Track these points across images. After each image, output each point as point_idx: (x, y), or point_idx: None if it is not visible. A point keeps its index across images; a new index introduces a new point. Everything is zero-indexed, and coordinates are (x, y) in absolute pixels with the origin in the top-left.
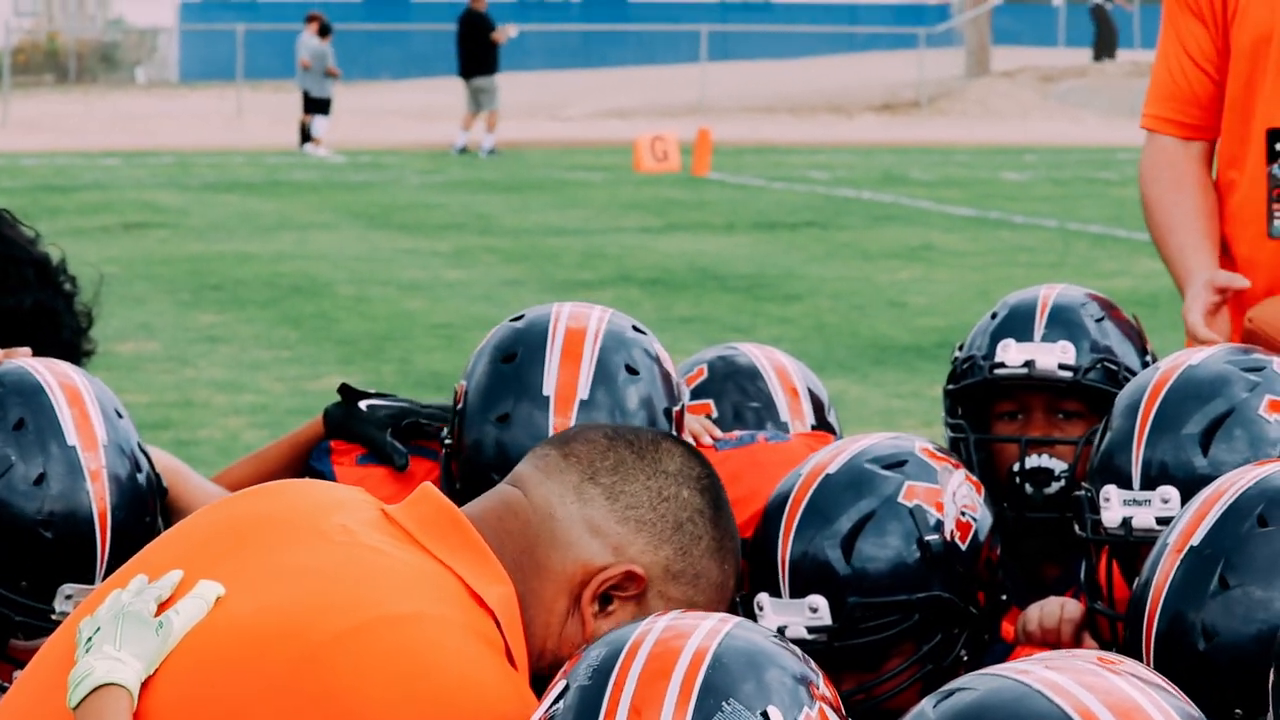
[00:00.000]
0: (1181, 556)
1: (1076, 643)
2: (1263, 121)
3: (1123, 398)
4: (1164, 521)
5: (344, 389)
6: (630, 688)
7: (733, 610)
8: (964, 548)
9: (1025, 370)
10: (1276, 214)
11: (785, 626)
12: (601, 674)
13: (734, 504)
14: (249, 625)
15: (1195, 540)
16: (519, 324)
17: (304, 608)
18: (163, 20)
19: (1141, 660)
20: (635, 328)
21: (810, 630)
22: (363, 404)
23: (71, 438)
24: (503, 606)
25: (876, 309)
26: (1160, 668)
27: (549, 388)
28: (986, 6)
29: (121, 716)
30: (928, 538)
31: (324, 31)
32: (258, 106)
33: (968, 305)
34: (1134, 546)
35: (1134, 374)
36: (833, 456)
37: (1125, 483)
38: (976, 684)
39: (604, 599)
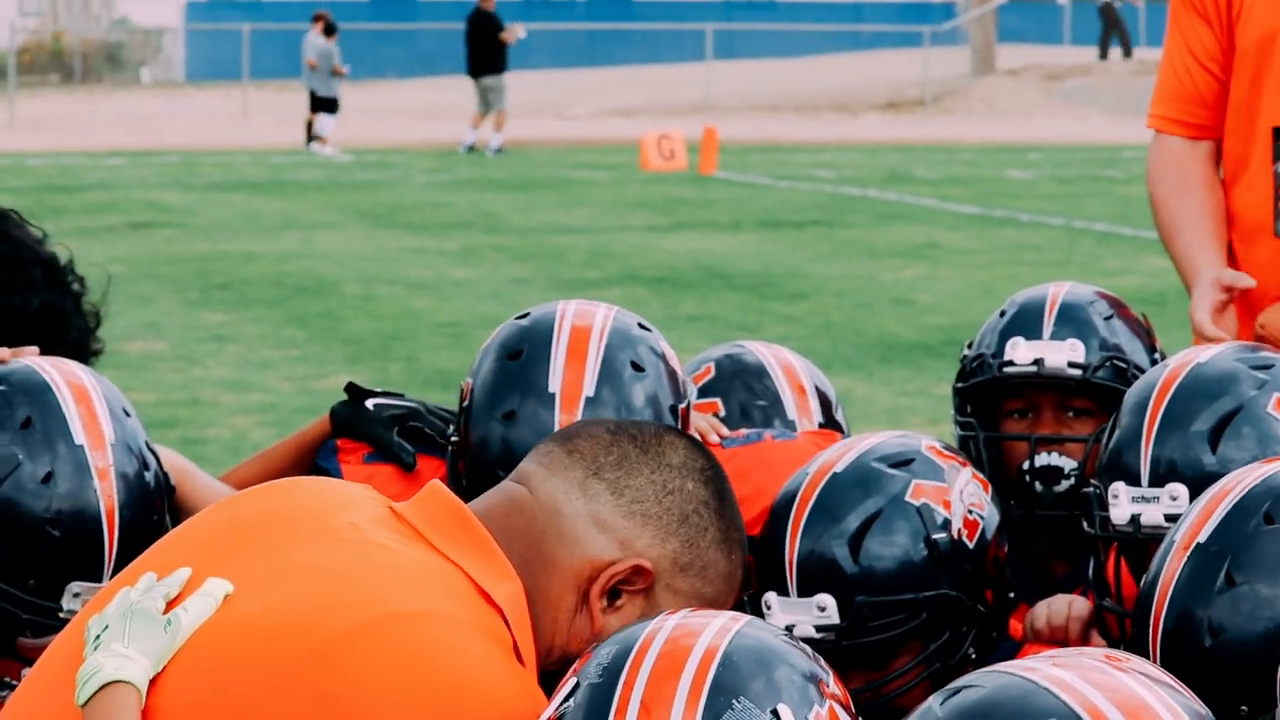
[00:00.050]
0: (1188, 554)
1: (1084, 640)
2: (1268, 120)
3: (1131, 395)
4: (1172, 519)
5: (350, 388)
6: (641, 686)
7: (740, 607)
8: (971, 546)
9: (1034, 368)
10: None
11: (793, 625)
12: (612, 672)
13: (741, 502)
14: (257, 623)
15: (1202, 537)
16: (524, 322)
17: (312, 605)
18: (168, 20)
19: (1148, 657)
20: (641, 325)
21: (818, 629)
22: (369, 403)
23: (79, 436)
24: (511, 604)
25: (882, 307)
26: (1166, 665)
27: (554, 385)
28: (992, 5)
29: (130, 714)
30: (935, 536)
31: (329, 31)
32: (263, 106)
33: (973, 303)
34: (1142, 544)
35: (1143, 372)
36: (840, 455)
37: (1134, 480)
38: (983, 681)
39: (612, 594)
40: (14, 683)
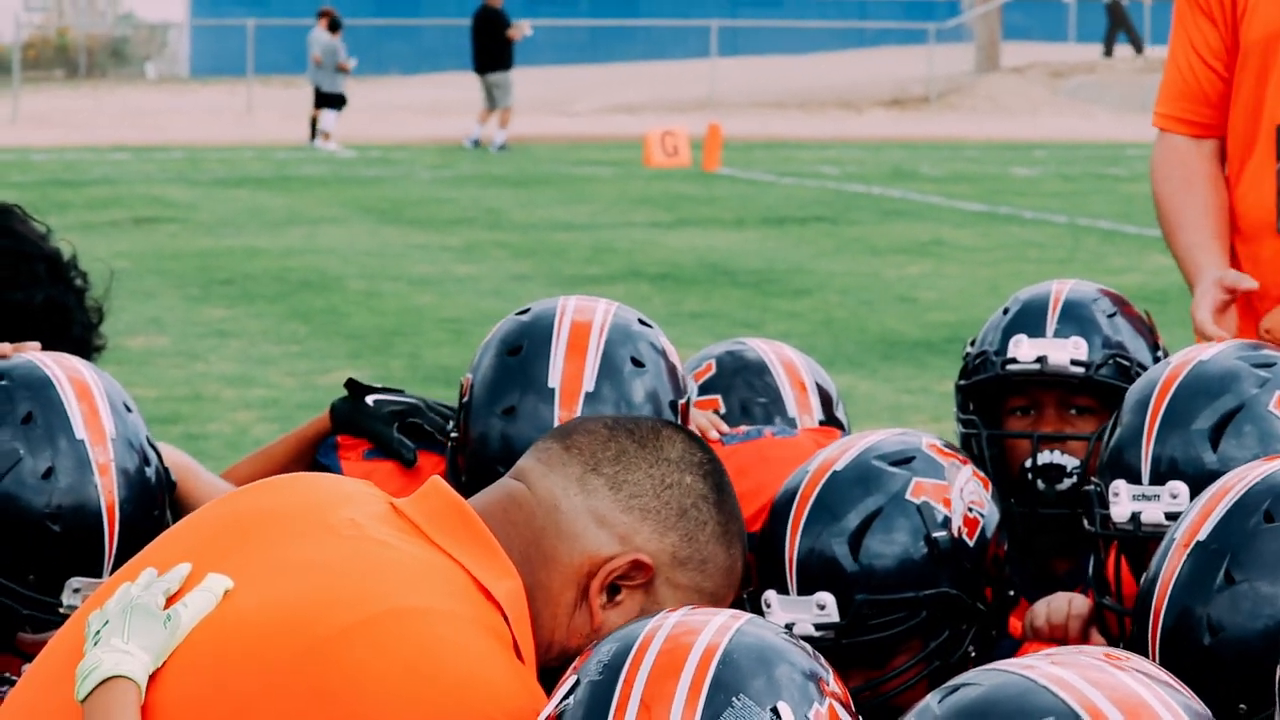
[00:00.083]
0: (1188, 551)
1: (1084, 638)
2: (1271, 118)
3: (1133, 393)
4: (1173, 517)
5: (350, 384)
6: (641, 683)
7: (739, 605)
8: (971, 544)
9: (1037, 366)
10: None
11: (793, 624)
12: (612, 669)
13: (741, 498)
14: (256, 619)
15: (1202, 535)
16: (525, 317)
17: (311, 602)
18: (173, 15)
19: (1147, 655)
20: (641, 321)
21: (818, 627)
22: (369, 399)
23: (80, 432)
24: (511, 601)
25: (886, 304)
26: (1166, 663)
27: (554, 380)
28: (997, 2)
29: (129, 709)
30: (935, 534)
31: (334, 27)
32: (268, 102)
33: (977, 301)
34: (1143, 542)
35: (1146, 369)
36: (840, 453)
37: (1134, 478)
38: (982, 679)
39: (612, 589)
40: (14, 678)
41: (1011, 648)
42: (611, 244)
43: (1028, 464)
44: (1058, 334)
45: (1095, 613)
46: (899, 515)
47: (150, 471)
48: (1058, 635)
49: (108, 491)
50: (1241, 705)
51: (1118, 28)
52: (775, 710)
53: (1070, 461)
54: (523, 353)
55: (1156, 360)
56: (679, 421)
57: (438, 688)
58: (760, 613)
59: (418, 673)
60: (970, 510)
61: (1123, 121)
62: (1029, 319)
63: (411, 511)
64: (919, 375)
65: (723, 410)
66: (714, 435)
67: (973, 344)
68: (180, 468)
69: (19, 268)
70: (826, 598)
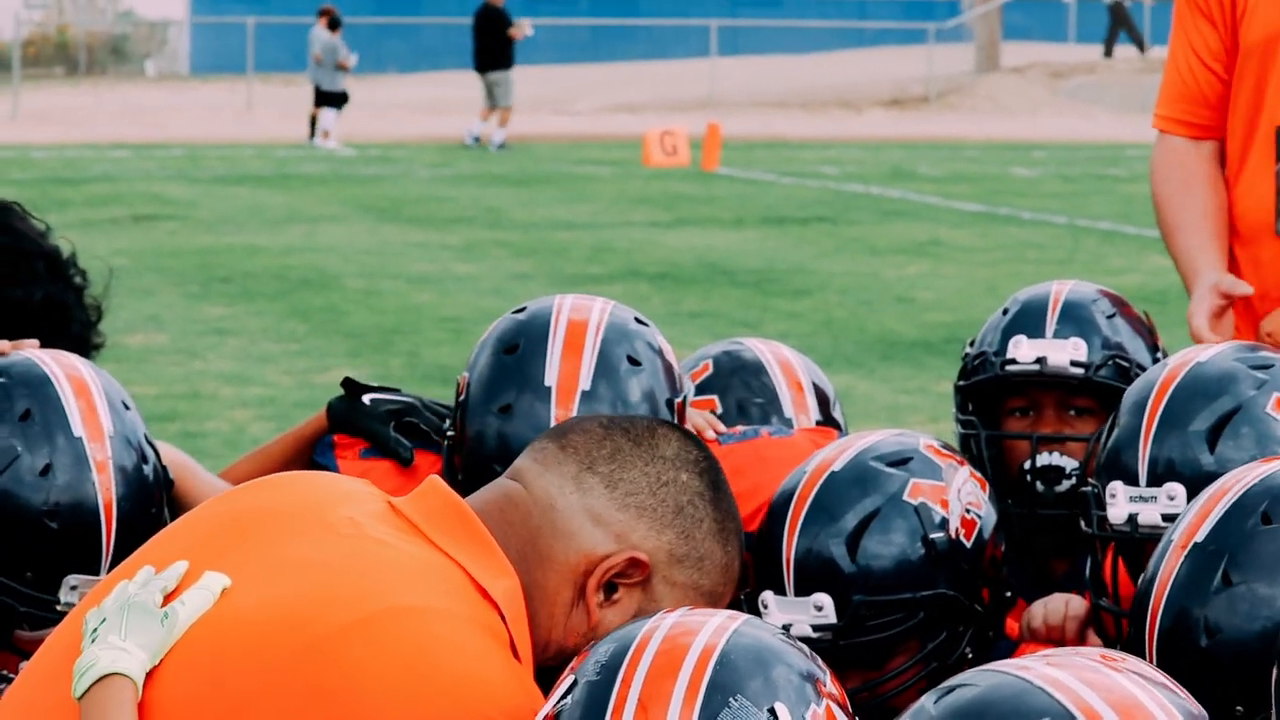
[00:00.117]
0: (1185, 553)
1: (1081, 639)
2: (1270, 120)
3: (1130, 394)
4: (1170, 518)
5: (347, 383)
6: (638, 683)
7: (736, 605)
8: (969, 545)
9: (1037, 367)
10: None
11: (790, 625)
12: (609, 670)
13: (737, 498)
14: (254, 617)
15: (1199, 537)
16: (521, 316)
17: (309, 600)
18: (173, 13)
19: (1144, 657)
20: (637, 319)
21: (815, 628)
22: (366, 398)
23: (78, 429)
24: (508, 600)
25: (885, 304)
26: (1163, 664)
27: (551, 379)
28: (997, 2)
29: (126, 706)
30: (933, 535)
31: (334, 25)
32: (268, 99)
33: (976, 301)
34: (1140, 543)
35: (1145, 370)
36: (838, 454)
37: (1131, 479)
38: (977, 680)
39: (609, 587)
40: (11, 675)
41: (1008, 649)
42: (611, 243)
43: (1026, 465)
44: (1057, 335)
45: (1092, 614)
46: (896, 516)
47: (148, 469)
48: (1054, 636)
49: (105, 489)
50: (1239, 707)
51: (1120, 27)
52: (772, 711)
53: (1069, 463)
54: (519, 351)
55: (1156, 361)
56: (675, 420)
57: (435, 686)
58: (757, 613)
59: (415, 671)
60: (968, 511)
61: (1122, 122)
62: (1028, 320)
63: (409, 510)
64: (917, 375)
65: (719, 410)
66: (710, 435)
67: (972, 344)
68: (178, 466)
69: (18, 265)
70: (824, 599)
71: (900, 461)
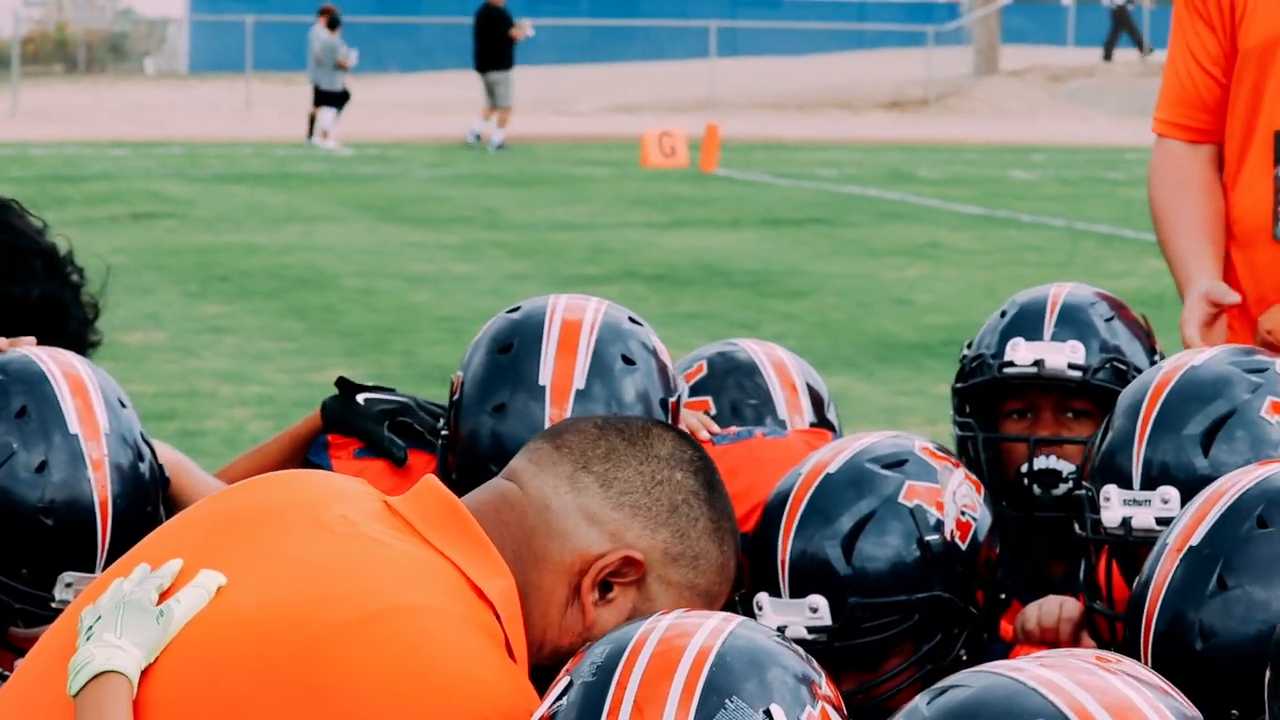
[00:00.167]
0: (1181, 556)
1: (1075, 642)
2: (1269, 124)
3: (1124, 397)
4: (1164, 522)
5: (341, 382)
6: (634, 685)
7: (731, 607)
8: (964, 547)
9: (1034, 369)
10: None
11: (785, 626)
12: (605, 671)
13: (731, 499)
14: (249, 616)
15: (1195, 540)
16: (515, 315)
17: (304, 599)
18: (172, 11)
19: (1140, 660)
20: (632, 319)
21: (810, 630)
22: (360, 397)
23: (74, 426)
24: (503, 599)
25: (882, 306)
26: (1158, 667)
27: (545, 378)
28: (996, 5)
29: (121, 704)
30: (928, 538)
31: (333, 24)
32: (267, 98)
33: (974, 304)
34: (1134, 547)
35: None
36: (833, 455)
37: (1125, 482)
38: (970, 681)
39: (604, 586)
40: (6, 673)
41: (1003, 651)
42: (608, 244)
43: (1024, 469)
44: (1055, 337)
45: (1086, 617)
46: (891, 518)
47: (144, 467)
48: (1048, 638)
49: (101, 486)
50: (1234, 711)
51: (1121, 30)
52: (768, 713)
53: (1066, 467)
54: (513, 350)
55: (1153, 364)
56: (670, 420)
57: (429, 686)
58: (752, 615)
59: (409, 671)
60: (963, 513)
61: (1121, 125)
62: (1026, 322)
63: (405, 509)
64: (914, 378)
65: (713, 411)
66: (704, 435)
67: (970, 347)
68: (174, 466)
69: (16, 262)
70: (819, 600)
71: (895, 464)
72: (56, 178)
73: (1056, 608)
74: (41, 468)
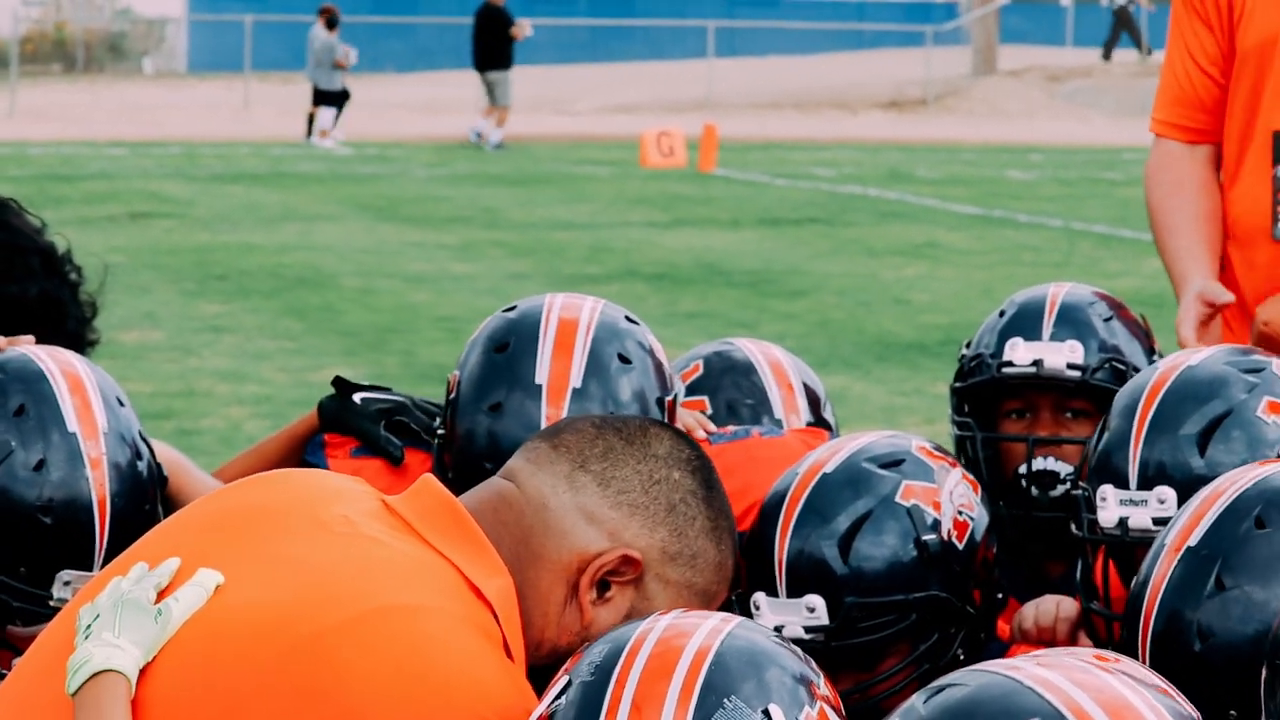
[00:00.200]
0: (1179, 556)
1: (1072, 641)
2: (1267, 124)
3: (1121, 397)
4: (1160, 522)
5: (338, 381)
6: (632, 685)
7: (728, 607)
8: (961, 547)
9: (1033, 369)
10: None
11: (782, 626)
12: (604, 671)
13: (728, 498)
14: (247, 615)
15: (1193, 540)
16: (511, 315)
17: (302, 599)
18: (171, 11)
19: (1138, 660)
20: (628, 318)
21: (807, 630)
22: (357, 397)
23: (72, 425)
24: (501, 599)
25: (881, 306)
26: (1156, 668)
27: (541, 377)
28: (994, 5)
29: (119, 703)
30: (925, 537)
31: (331, 24)
32: (265, 98)
33: (972, 303)
34: (1130, 547)
35: None
36: (830, 455)
37: (1122, 483)
38: (967, 680)
39: (601, 585)
40: (4, 671)
41: (1000, 650)
42: (608, 244)
43: (1022, 470)
44: (1054, 337)
45: (1083, 616)
46: (889, 518)
47: (142, 466)
48: (1045, 638)
49: (99, 485)
50: (1232, 711)
51: (1122, 30)
52: (766, 713)
53: (1064, 468)
54: (510, 350)
55: (1152, 364)
56: (666, 419)
57: (427, 686)
58: (749, 615)
59: (407, 671)
60: (960, 513)
61: (1119, 126)
62: (1025, 322)
63: (403, 509)
64: (913, 377)
65: (709, 411)
66: (701, 434)
67: (968, 346)
68: (172, 465)
69: (14, 261)
70: (816, 600)
71: (892, 463)
72: (54, 177)
73: (1054, 607)
74: (40, 466)
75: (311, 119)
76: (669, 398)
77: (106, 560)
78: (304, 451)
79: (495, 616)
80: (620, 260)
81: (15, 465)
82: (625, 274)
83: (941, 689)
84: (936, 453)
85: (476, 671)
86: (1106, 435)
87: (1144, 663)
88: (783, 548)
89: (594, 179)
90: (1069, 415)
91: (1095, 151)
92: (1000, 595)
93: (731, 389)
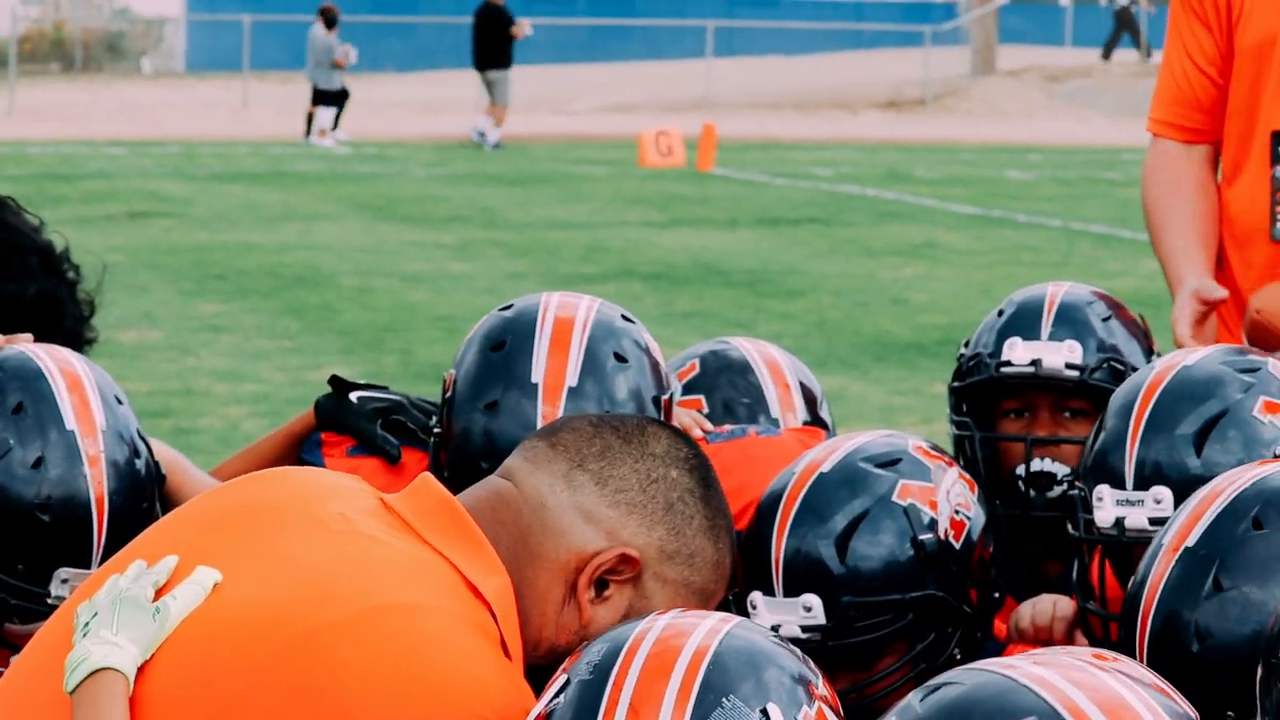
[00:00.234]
0: (1176, 557)
1: (1069, 641)
2: (1266, 124)
3: (1117, 397)
4: (1157, 522)
5: (334, 380)
6: (630, 685)
7: (725, 606)
8: (958, 546)
9: (1032, 369)
10: (1279, 216)
11: (779, 625)
12: (602, 670)
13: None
14: (245, 613)
15: (1190, 541)
16: (508, 313)
17: (299, 597)
18: (169, 10)
19: (1135, 660)
20: (624, 317)
21: (804, 629)
22: (353, 395)
23: (70, 423)
24: (499, 598)
25: (879, 306)
26: (1154, 668)
27: (537, 376)
28: (993, 5)
29: (117, 701)
30: (922, 537)
31: (330, 23)
32: (264, 97)
33: (970, 303)
34: (1127, 547)
35: None
36: (826, 454)
37: (1118, 483)
38: (963, 678)
39: (600, 584)
40: (1, 669)
41: (996, 649)
42: (605, 243)
43: (1020, 471)
44: (1053, 337)
45: (1079, 616)
46: (885, 517)
47: (140, 464)
48: (1042, 637)
49: (97, 483)
50: (1229, 712)
51: (1124, 30)
52: (765, 712)
53: (1061, 470)
54: (506, 348)
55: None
56: (662, 417)
57: (424, 685)
58: (745, 614)
59: (404, 670)
60: (956, 512)
61: (1118, 126)
62: (1024, 321)
63: (401, 508)
64: (910, 377)
65: (706, 410)
66: (698, 434)
67: (967, 346)
68: (170, 463)
69: (12, 260)
70: (813, 600)
71: (889, 462)
72: (53, 176)
73: (1050, 606)
74: (38, 464)
75: (310, 118)
76: (665, 396)
77: (104, 558)
78: (300, 450)
79: (493, 615)
80: (617, 260)
81: (13, 463)
82: (622, 273)
83: (938, 687)
84: (933, 452)
85: (474, 670)
86: (1102, 435)
87: (1141, 663)
88: (779, 547)
89: (592, 178)
90: (1067, 415)
91: (1094, 152)
92: (997, 594)
93: (728, 388)
